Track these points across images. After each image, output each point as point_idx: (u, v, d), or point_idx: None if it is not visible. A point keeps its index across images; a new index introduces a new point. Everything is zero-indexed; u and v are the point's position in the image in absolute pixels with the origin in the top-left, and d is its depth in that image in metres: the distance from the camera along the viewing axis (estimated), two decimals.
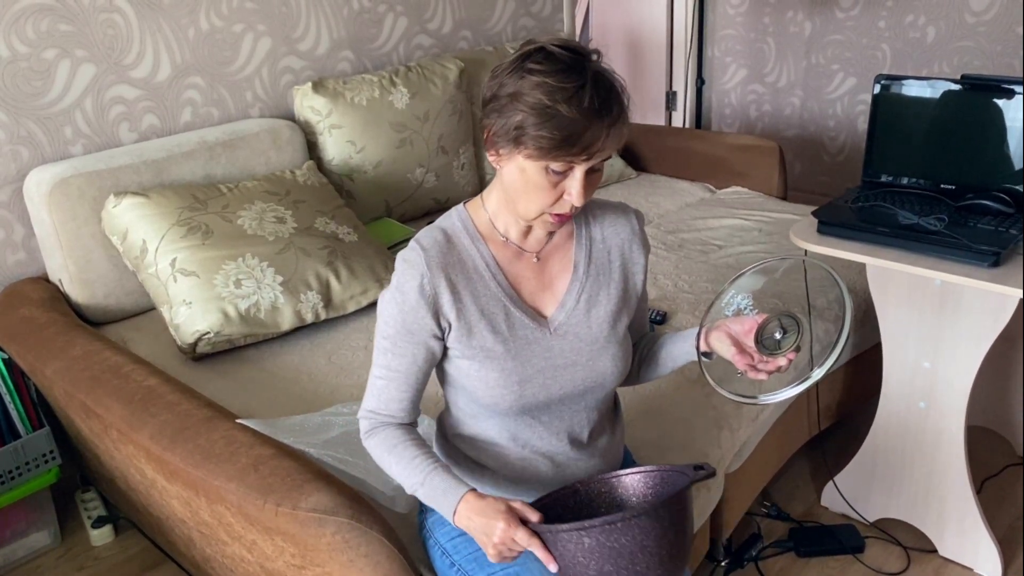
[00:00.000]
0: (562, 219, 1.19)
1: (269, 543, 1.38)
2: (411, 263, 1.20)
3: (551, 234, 1.28)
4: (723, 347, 1.23)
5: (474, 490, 1.15)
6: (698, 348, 1.27)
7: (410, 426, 1.28)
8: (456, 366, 1.25)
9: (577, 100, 1.08)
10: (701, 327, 1.26)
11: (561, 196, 1.15)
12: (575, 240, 1.29)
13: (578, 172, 1.13)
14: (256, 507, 1.32)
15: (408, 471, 1.21)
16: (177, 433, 1.51)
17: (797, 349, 1.21)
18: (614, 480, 1.23)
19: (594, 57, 1.14)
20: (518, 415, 1.26)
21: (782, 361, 1.20)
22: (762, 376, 1.22)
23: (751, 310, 1.24)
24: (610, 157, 1.16)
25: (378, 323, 1.24)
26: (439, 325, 1.21)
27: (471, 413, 1.30)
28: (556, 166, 1.12)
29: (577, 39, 3.89)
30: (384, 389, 1.25)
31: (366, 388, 1.29)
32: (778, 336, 1.21)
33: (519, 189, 1.17)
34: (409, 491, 1.23)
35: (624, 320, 1.31)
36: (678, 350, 1.35)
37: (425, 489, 1.19)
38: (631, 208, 1.34)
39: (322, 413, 1.66)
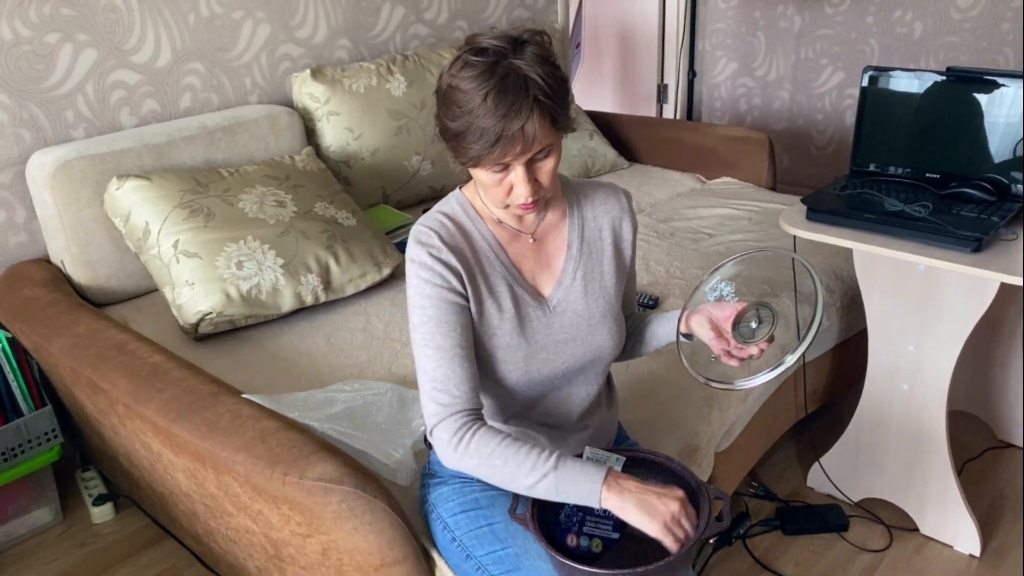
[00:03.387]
0: (528, 208, 1.20)
1: (275, 512, 1.42)
2: (425, 243, 1.23)
3: (542, 214, 1.32)
4: (703, 331, 1.29)
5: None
6: (678, 329, 1.32)
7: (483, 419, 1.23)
8: None
9: (483, 108, 1.10)
10: (684, 309, 1.32)
11: (512, 190, 1.18)
12: (568, 220, 1.34)
13: (517, 168, 1.15)
14: (264, 477, 1.36)
15: (527, 465, 1.15)
16: (184, 407, 1.55)
17: (770, 340, 1.26)
18: (640, 456, 1.29)
19: (526, 48, 1.13)
20: (523, 390, 1.31)
21: (754, 350, 1.26)
22: (734, 362, 1.27)
23: (732, 297, 1.30)
24: (552, 144, 1.15)
25: (414, 314, 1.22)
26: (464, 290, 1.24)
27: None
28: (491, 167, 1.15)
29: (570, 31, 3.92)
30: (449, 375, 1.20)
31: (423, 401, 1.22)
32: (754, 325, 1.27)
33: (479, 184, 1.21)
34: (526, 489, 1.16)
35: (618, 294, 1.36)
36: (662, 330, 1.41)
37: (557, 475, 1.14)
38: (619, 187, 1.39)
39: (325, 390, 1.70)
